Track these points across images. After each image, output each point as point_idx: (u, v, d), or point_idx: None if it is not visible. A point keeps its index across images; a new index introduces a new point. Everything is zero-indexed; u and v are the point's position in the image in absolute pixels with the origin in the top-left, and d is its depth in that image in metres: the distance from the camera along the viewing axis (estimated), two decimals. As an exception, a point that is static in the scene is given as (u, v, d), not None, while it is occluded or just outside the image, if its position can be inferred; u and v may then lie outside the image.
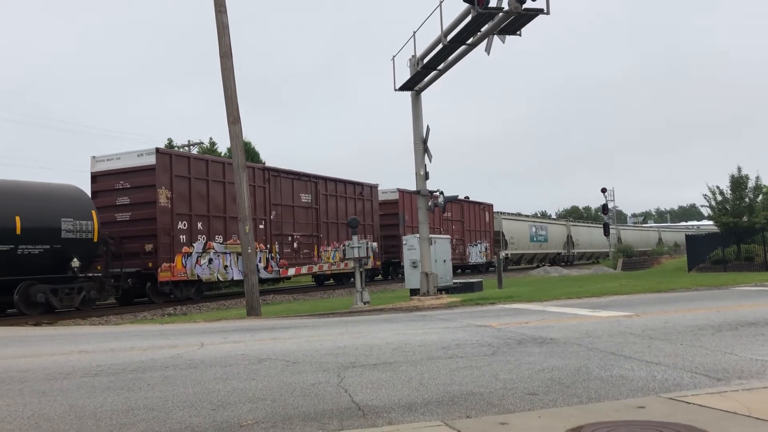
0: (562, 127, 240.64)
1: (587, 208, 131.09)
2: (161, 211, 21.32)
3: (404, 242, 21.60)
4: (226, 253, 23.62)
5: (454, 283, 21.97)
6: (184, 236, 22.19)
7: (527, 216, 57.76)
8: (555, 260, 57.65)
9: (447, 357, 7.04)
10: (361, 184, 32.97)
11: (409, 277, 20.50)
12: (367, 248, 17.94)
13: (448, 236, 27.83)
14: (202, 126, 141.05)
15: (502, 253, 39.77)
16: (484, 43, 14.87)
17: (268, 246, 25.58)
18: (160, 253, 21.14)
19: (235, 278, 23.90)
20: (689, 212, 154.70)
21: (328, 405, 5.00)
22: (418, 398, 5.14)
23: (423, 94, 17.99)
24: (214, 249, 23.31)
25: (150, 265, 21.15)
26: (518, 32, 14.33)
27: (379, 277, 36.78)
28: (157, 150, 21.75)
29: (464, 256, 41.35)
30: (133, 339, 10.50)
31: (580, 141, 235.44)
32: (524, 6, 13.36)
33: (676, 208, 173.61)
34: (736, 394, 4.87)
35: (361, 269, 17.70)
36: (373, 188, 33.43)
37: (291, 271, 27.09)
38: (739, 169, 29.92)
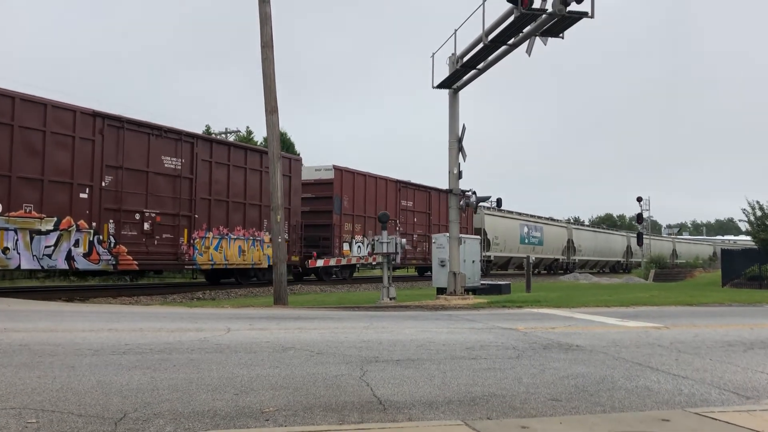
0: (599, 133, 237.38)
1: (621, 216, 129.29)
2: None
3: (433, 240, 21.55)
4: (7, 229, 16.22)
5: (482, 284, 21.87)
6: None
7: (518, 213, 48.32)
8: (551, 267, 52.04)
9: (471, 357, 7.01)
10: None
11: (436, 275, 20.46)
12: (396, 244, 17.94)
13: (478, 237, 27.29)
14: (225, 112, 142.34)
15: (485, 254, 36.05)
16: (524, 45, 14.76)
17: (94, 225, 18.19)
18: None
19: (25, 266, 16.82)
20: (726, 226, 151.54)
21: (350, 397, 5.02)
22: (440, 396, 5.13)
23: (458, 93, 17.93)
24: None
25: None
26: (561, 35, 14.19)
27: (290, 277, 29.17)
28: None
29: (428, 256, 33.41)
30: (161, 320, 10.68)
31: (615, 147, 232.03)
32: (568, 8, 13.22)
33: (712, 221, 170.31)
34: (766, 413, 4.76)
35: (389, 265, 17.73)
36: (292, 161, 26.18)
37: (137, 263, 19.76)
38: (781, 184, 29.22)
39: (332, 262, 28.21)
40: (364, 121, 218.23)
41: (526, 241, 46.94)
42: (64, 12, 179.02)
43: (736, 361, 7.13)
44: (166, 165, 20.47)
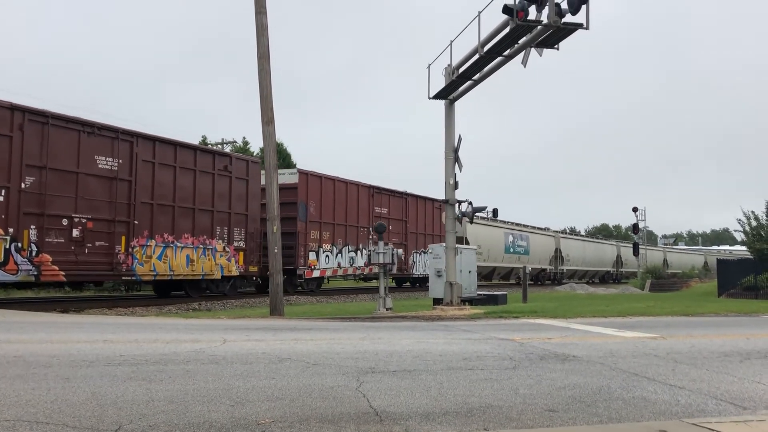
0: (595, 143, 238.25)
1: (617, 227, 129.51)
2: None
3: (430, 251, 21.51)
4: None
5: (478, 294, 21.85)
6: None
7: (503, 221, 45.63)
8: (538, 277, 49.56)
9: (467, 368, 7.00)
10: (228, 155, 23.74)
11: (432, 285, 20.45)
12: (392, 254, 17.93)
13: (475, 247, 27.10)
14: (223, 124, 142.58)
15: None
16: (520, 56, 14.83)
17: (11, 231, 16.21)
18: None
19: None
20: (722, 236, 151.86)
21: (346, 408, 5.01)
22: (436, 408, 5.12)
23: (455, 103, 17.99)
24: None
25: None
26: (556, 46, 14.27)
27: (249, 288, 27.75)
28: None
29: (404, 266, 32.92)
30: (157, 331, 10.63)
31: (611, 157, 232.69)
32: (563, 20, 13.30)
33: (708, 231, 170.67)
34: (762, 424, 4.76)
35: (385, 275, 17.72)
36: (250, 163, 24.27)
37: (63, 274, 17.44)
38: (776, 194, 29.32)
39: (329, 273, 28.09)
40: (359, 131, 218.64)
41: (512, 250, 45.01)
42: (62, 22, 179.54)
43: (733, 372, 7.13)
44: (100, 165, 18.44)
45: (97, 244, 18.32)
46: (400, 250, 20.93)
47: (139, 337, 9.43)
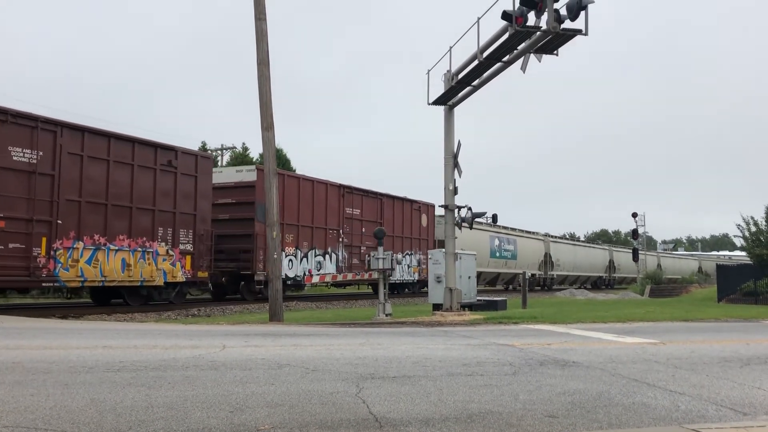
0: (594, 150, 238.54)
1: (617, 232, 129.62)
2: None
3: (430, 256, 21.52)
4: None
5: (478, 300, 21.85)
6: None
7: (489, 224, 42.31)
8: (527, 283, 47.05)
9: (467, 374, 6.99)
10: (173, 149, 20.97)
11: (432, 291, 20.44)
12: (392, 260, 17.92)
13: (475, 252, 26.70)
14: (224, 130, 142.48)
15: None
16: (519, 62, 14.87)
17: None
18: None
19: None
20: (721, 241, 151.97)
21: (345, 414, 5.00)
22: (436, 413, 5.11)
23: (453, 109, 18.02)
24: None
25: None
26: (555, 52, 14.30)
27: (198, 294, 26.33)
28: None
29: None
30: (156, 337, 10.62)
31: (610, 164, 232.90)
32: (562, 26, 13.33)
33: (708, 236, 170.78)
34: (763, 429, 4.76)
35: (385, 281, 17.70)
36: (200, 158, 22.10)
37: None
38: (775, 200, 29.38)
39: (328, 278, 27.98)
40: (359, 136, 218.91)
41: (497, 254, 42.83)
42: (59, 28, 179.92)
43: (733, 377, 7.13)
44: (15, 158, 16.56)
45: (11, 246, 16.36)
46: (401, 255, 20.90)
47: (138, 343, 9.42)
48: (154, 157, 20.17)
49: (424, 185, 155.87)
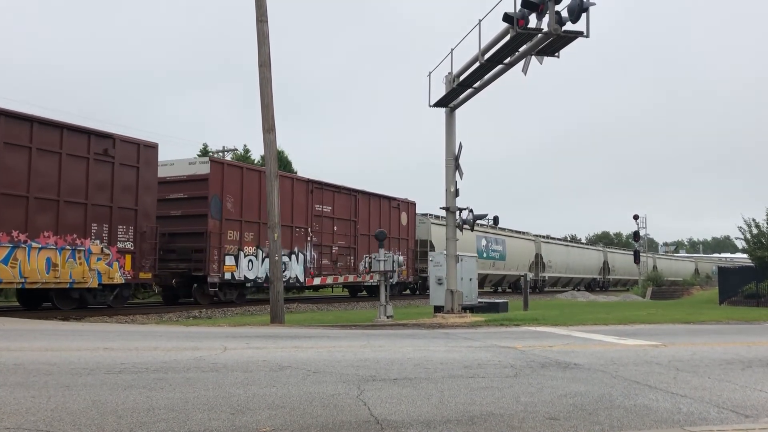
0: (595, 152, 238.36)
1: (618, 234, 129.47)
2: None
3: (430, 258, 21.49)
4: None
5: (479, 302, 21.84)
6: None
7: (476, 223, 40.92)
8: (516, 285, 44.79)
9: (468, 376, 6.99)
10: (110, 137, 19.06)
11: (433, 293, 20.43)
12: (393, 262, 17.92)
13: (475, 255, 26.54)
14: (224, 132, 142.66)
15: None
16: (520, 63, 14.87)
17: None
18: None
19: None
20: (723, 244, 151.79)
21: (347, 417, 4.99)
22: (437, 416, 5.11)
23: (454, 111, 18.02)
24: None
25: None
26: (556, 54, 14.30)
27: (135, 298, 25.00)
28: None
29: (353, 271, 28.94)
30: (157, 339, 10.62)
31: (611, 166, 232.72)
32: (564, 28, 13.33)
33: (709, 239, 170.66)
34: (765, 432, 4.75)
35: (386, 283, 17.70)
36: (142, 147, 20.04)
37: None
38: (777, 202, 29.32)
39: (329, 280, 27.91)
40: (360, 138, 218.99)
41: (485, 255, 40.50)
42: (61, 30, 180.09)
43: (735, 380, 7.11)
44: None
45: None
46: (401, 257, 20.86)
47: (139, 345, 9.42)
48: (87, 145, 18.22)
49: (424, 185, 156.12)
